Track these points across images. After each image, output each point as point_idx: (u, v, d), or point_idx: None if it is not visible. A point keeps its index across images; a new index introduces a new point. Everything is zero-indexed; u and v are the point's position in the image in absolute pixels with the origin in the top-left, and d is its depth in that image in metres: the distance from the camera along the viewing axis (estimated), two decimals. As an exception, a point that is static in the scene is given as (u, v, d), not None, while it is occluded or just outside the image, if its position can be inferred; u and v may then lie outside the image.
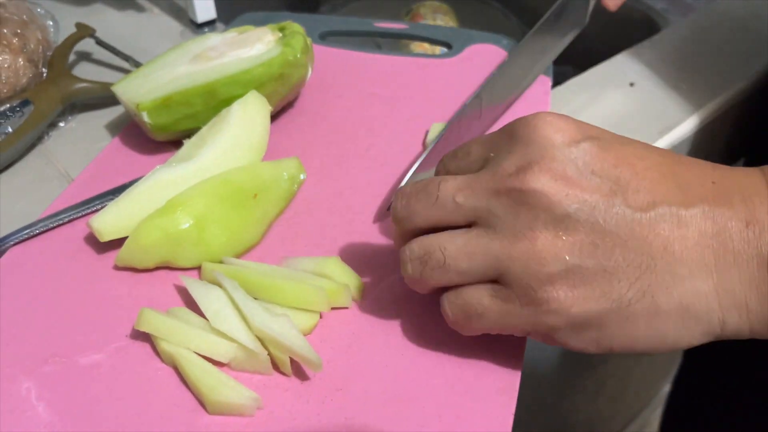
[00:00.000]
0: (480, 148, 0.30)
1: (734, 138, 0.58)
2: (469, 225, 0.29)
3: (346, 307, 0.34)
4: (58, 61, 0.49)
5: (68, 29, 0.54)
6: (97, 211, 0.40)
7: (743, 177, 0.28)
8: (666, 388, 1.25)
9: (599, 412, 1.01)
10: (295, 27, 0.45)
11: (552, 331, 0.27)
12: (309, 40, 0.45)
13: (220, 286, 0.33)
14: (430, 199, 0.29)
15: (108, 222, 0.36)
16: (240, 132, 0.40)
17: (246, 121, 0.40)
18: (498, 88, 0.46)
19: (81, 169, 0.44)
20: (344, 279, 0.34)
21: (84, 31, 0.53)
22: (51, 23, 0.51)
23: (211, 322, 0.31)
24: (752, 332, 0.27)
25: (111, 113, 0.50)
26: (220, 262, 0.35)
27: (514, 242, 0.27)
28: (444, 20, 0.84)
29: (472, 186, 0.28)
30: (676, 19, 0.70)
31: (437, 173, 0.32)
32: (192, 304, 0.33)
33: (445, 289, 0.30)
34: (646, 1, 0.72)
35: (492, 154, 0.29)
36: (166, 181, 0.37)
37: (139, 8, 0.64)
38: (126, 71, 0.55)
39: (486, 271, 0.28)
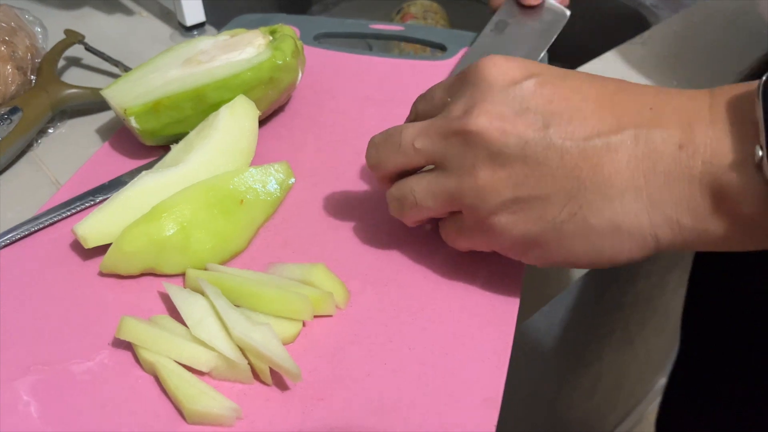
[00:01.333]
0: (441, 92, 0.34)
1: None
2: (434, 165, 0.32)
3: (330, 315, 0.34)
4: (47, 67, 0.49)
5: (57, 35, 0.54)
6: (79, 212, 0.40)
7: (687, 101, 0.29)
8: (661, 382, 1.25)
9: (596, 408, 1.01)
10: (286, 30, 0.45)
11: (504, 250, 0.32)
12: (300, 43, 0.45)
13: (202, 293, 0.33)
14: (394, 146, 0.33)
15: (93, 228, 0.35)
16: (227, 137, 0.40)
17: (234, 125, 0.40)
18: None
19: (71, 174, 0.44)
20: (329, 286, 0.34)
21: (73, 37, 0.52)
22: (39, 30, 0.51)
23: (192, 331, 0.31)
24: (686, 245, 0.29)
25: (101, 118, 0.50)
26: (205, 269, 0.35)
27: (461, 180, 0.31)
28: (435, 19, 0.84)
29: (428, 131, 0.32)
30: (666, 14, 0.70)
31: (409, 114, 0.36)
32: (175, 312, 0.33)
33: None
34: None
35: (449, 99, 0.32)
36: (152, 187, 0.37)
37: (128, 12, 0.63)
38: (116, 76, 0.55)
39: (450, 205, 0.32)
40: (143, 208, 0.36)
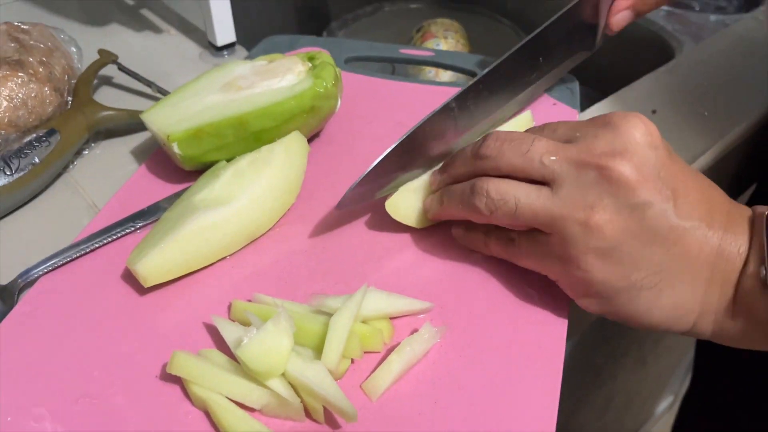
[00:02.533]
0: (567, 129, 0.35)
1: (747, 164, 0.58)
2: (541, 181, 0.33)
3: (378, 351, 0.33)
4: (83, 88, 0.49)
5: (89, 54, 0.54)
6: (120, 238, 0.40)
7: (744, 212, 0.33)
8: (667, 401, 1.25)
9: (605, 426, 1.02)
10: (325, 57, 0.45)
11: (570, 285, 0.33)
12: (338, 71, 0.45)
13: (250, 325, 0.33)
14: (521, 150, 0.34)
15: (153, 267, 0.35)
16: (280, 174, 0.40)
17: (287, 162, 0.40)
18: (487, 93, 0.44)
19: (108, 197, 0.44)
20: (376, 323, 0.34)
21: (107, 57, 0.52)
22: (75, 50, 0.51)
23: (244, 367, 0.31)
24: (711, 336, 0.33)
25: (136, 140, 0.50)
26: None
27: (574, 211, 0.32)
28: (455, 38, 0.84)
29: (560, 152, 0.33)
30: (687, 39, 0.71)
31: (525, 138, 0.35)
32: (222, 344, 0.33)
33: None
34: (657, 22, 0.72)
35: (578, 135, 0.34)
36: (208, 224, 0.37)
37: (156, 29, 0.63)
38: (148, 96, 0.55)
39: (542, 225, 0.33)
40: (202, 247, 0.36)
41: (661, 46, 0.72)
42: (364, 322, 0.33)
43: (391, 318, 0.34)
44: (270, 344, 0.30)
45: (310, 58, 0.46)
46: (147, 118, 0.43)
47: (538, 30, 0.45)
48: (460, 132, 0.42)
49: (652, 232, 0.31)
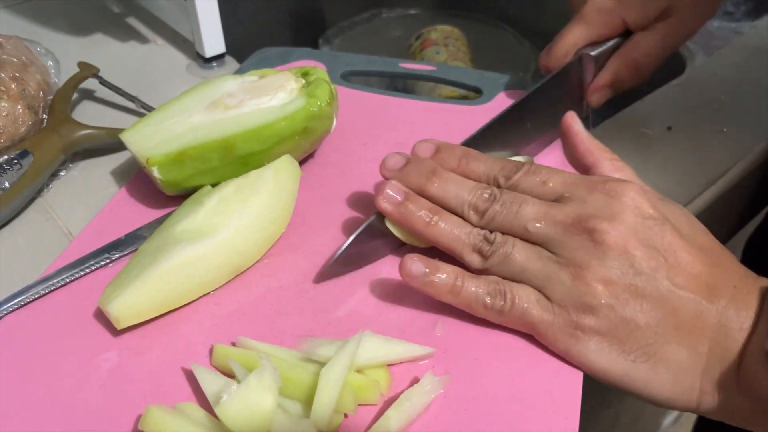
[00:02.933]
0: (558, 183, 0.34)
1: (762, 186, 0.55)
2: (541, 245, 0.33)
3: (374, 404, 0.30)
4: (60, 105, 0.46)
5: (69, 66, 0.51)
6: (95, 271, 0.37)
7: (757, 284, 0.32)
8: (673, 414, 1.23)
9: (612, 445, 0.98)
10: (320, 73, 0.42)
11: (566, 348, 0.32)
12: (334, 88, 0.42)
13: (232, 373, 0.30)
14: (511, 212, 0.34)
15: (127, 308, 0.32)
16: (269, 201, 0.36)
17: (276, 189, 0.37)
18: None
19: (84, 223, 0.41)
20: (372, 372, 0.30)
21: (87, 71, 0.49)
22: (51, 63, 0.48)
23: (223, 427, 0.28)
24: (716, 415, 0.31)
25: (116, 159, 0.47)
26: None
27: (567, 268, 0.32)
28: (456, 46, 0.81)
29: (547, 217, 0.33)
30: (698, 49, 0.68)
31: (504, 179, 0.36)
32: (203, 395, 0.30)
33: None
34: None
35: (567, 195, 0.33)
36: (189, 259, 0.34)
37: (143, 39, 0.60)
38: (132, 111, 0.51)
39: (534, 281, 0.32)
40: (182, 284, 0.33)
41: (671, 55, 0.69)
42: (358, 371, 0.30)
43: (389, 365, 0.31)
44: (252, 402, 0.27)
45: (304, 74, 0.43)
46: (127, 138, 0.40)
47: (522, 98, 0.43)
48: None
49: (644, 298, 0.31)
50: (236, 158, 0.39)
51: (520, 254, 0.33)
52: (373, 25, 0.90)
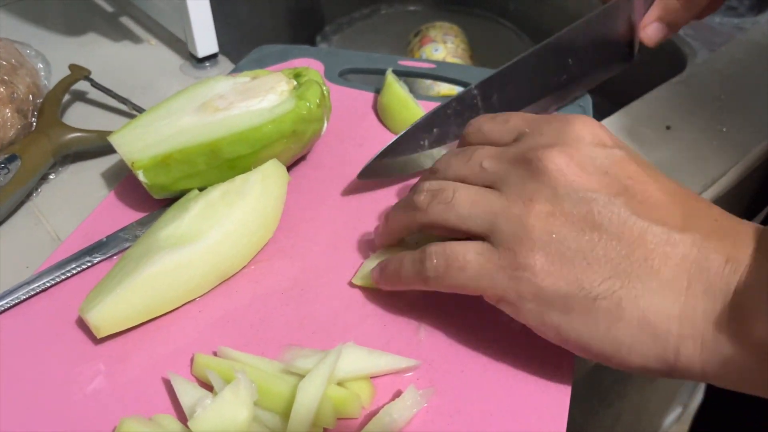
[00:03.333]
0: (519, 120, 0.33)
1: (763, 186, 0.54)
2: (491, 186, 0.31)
3: (356, 418, 0.30)
4: (50, 108, 0.45)
5: (61, 68, 0.50)
6: (77, 274, 0.36)
7: (742, 224, 0.29)
8: (676, 412, 1.22)
9: (614, 444, 0.98)
10: (312, 74, 0.42)
11: (520, 300, 0.29)
12: (327, 89, 0.42)
13: (210, 384, 0.30)
14: (464, 159, 0.33)
15: (107, 316, 0.32)
16: (256, 206, 0.36)
17: (263, 194, 0.36)
18: (511, 88, 0.43)
19: (73, 227, 0.40)
20: (354, 384, 0.30)
21: (78, 73, 0.49)
22: (42, 66, 0.47)
23: None
24: (703, 372, 0.27)
25: (107, 162, 0.46)
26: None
27: (513, 205, 0.29)
28: (455, 42, 0.80)
29: (499, 156, 0.32)
30: (700, 46, 0.67)
31: (469, 126, 0.36)
32: (180, 406, 0.30)
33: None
34: None
35: (527, 130, 0.32)
36: (173, 266, 0.33)
37: (136, 39, 0.60)
38: (123, 113, 0.51)
39: (481, 223, 0.30)
40: (165, 292, 0.33)
41: (672, 51, 0.68)
42: (340, 383, 0.29)
43: (372, 377, 0.30)
44: (226, 416, 0.26)
45: (296, 75, 0.42)
46: (115, 141, 0.40)
47: (566, 30, 0.43)
48: None
49: (601, 228, 0.28)
50: (223, 162, 0.38)
51: (461, 197, 0.31)
52: (372, 22, 0.89)
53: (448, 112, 0.42)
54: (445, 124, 0.42)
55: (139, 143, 0.39)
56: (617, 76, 0.74)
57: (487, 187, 0.31)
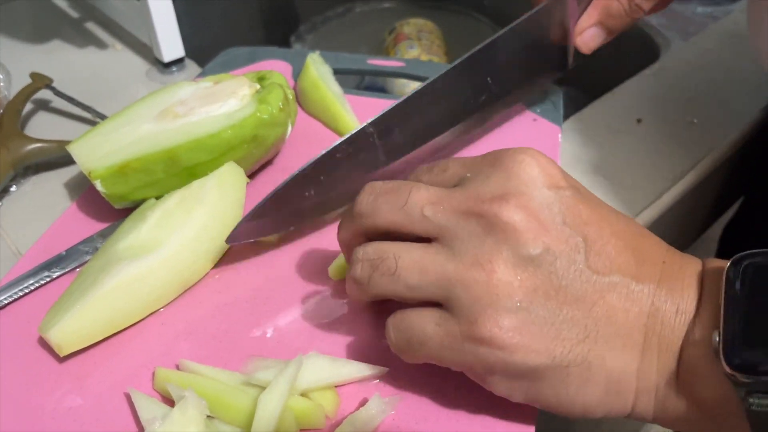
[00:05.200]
0: (458, 167, 0.30)
1: (735, 176, 0.54)
2: (428, 239, 0.28)
3: (320, 428, 0.29)
4: (9, 119, 0.44)
5: (22, 76, 0.49)
6: (36, 290, 0.35)
7: (686, 263, 0.28)
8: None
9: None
10: (275, 77, 0.41)
11: (488, 373, 0.27)
12: (291, 92, 0.41)
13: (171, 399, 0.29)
14: (398, 203, 0.28)
15: (69, 333, 0.31)
16: (214, 210, 0.35)
17: (221, 198, 0.36)
18: (417, 118, 0.39)
19: (34, 241, 0.39)
20: (317, 394, 0.29)
21: (39, 81, 0.48)
22: (2, 76, 0.46)
23: None
24: (654, 418, 0.27)
25: (70, 172, 0.45)
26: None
27: (470, 268, 0.26)
28: (430, 39, 0.79)
29: (443, 201, 0.28)
30: (673, 35, 0.66)
31: (408, 177, 0.32)
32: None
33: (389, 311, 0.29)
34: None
35: (469, 175, 0.29)
36: (133, 277, 0.32)
37: (101, 45, 0.59)
38: (88, 121, 0.50)
39: (435, 291, 0.27)
40: (126, 304, 0.32)
41: (645, 41, 0.68)
42: (303, 394, 0.29)
43: (336, 386, 0.30)
44: None
45: (260, 79, 0.42)
46: (74, 150, 0.39)
47: (484, 44, 0.39)
48: (385, 164, 0.37)
49: (566, 290, 0.26)
50: (182, 170, 0.38)
51: (406, 265, 0.27)
52: (347, 20, 0.88)
53: (338, 156, 0.36)
54: (336, 170, 0.37)
55: (97, 152, 0.38)
56: (589, 66, 0.73)
57: (429, 239, 0.28)
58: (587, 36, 0.42)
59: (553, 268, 0.26)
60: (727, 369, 0.24)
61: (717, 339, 0.24)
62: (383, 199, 0.29)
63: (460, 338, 0.26)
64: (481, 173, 0.28)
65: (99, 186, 0.37)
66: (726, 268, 0.25)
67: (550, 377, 0.26)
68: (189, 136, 0.37)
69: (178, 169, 0.37)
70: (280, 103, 0.39)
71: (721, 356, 0.24)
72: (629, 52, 0.69)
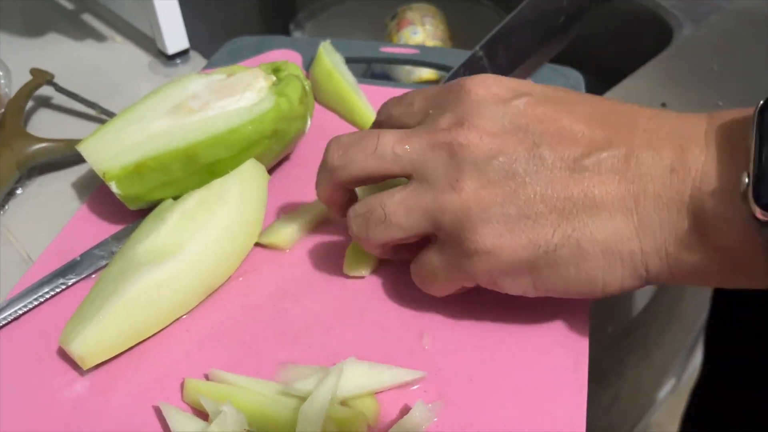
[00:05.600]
0: (422, 101, 0.32)
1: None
2: (406, 177, 0.30)
3: None
4: (12, 118, 0.43)
5: (21, 73, 0.47)
6: (50, 299, 0.34)
7: (682, 124, 0.28)
8: (670, 383, 1.22)
9: (611, 422, 0.98)
10: (291, 68, 0.39)
11: (491, 278, 0.29)
12: (308, 84, 0.39)
13: (204, 411, 0.28)
14: (369, 149, 0.31)
15: (92, 345, 0.29)
16: (237, 210, 0.34)
17: (244, 197, 0.34)
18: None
19: (45, 245, 0.38)
20: (357, 402, 0.28)
21: (41, 77, 0.46)
22: (1, 73, 0.45)
23: None
24: (673, 277, 0.27)
25: (77, 172, 0.44)
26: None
27: (443, 194, 0.29)
28: (433, 24, 0.78)
29: (410, 139, 0.30)
30: (683, 16, 0.65)
31: (378, 115, 0.35)
32: None
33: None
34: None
35: (431, 111, 0.31)
36: (154, 283, 0.31)
37: (100, 37, 0.57)
38: (92, 118, 0.48)
39: (424, 224, 0.30)
40: (149, 312, 0.31)
41: (657, 22, 0.66)
42: (343, 403, 0.28)
43: (376, 393, 0.29)
44: None
45: (275, 70, 0.40)
46: (84, 150, 0.37)
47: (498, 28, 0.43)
48: None
49: (532, 183, 0.28)
50: (201, 167, 0.36)
51: (393, 209, 0.30)
52: (347, 6, 0.86)
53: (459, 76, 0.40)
54: None
55: (109, 151, 0.36)
56: (602, 51, 0.72)
57: (405, 176, 0.30)
58: None
59: (514, 169, 0.28)
60: (757, 210, 0.24)
61: (746, 181, 0.24)
62: (354, 150, 0.31)
63: (457, 258, 0.29)
64: (439, 107, 0.31)
65: (114, 188, 0.36)
66: (757, 110, 0.25)
67: (544, 265, 0.28)
68: (207, 132, 0.36)
69: (197, 167, 0.36)
70: (299, 96, 0.37)
71: (750, 197, 0.24)
72: (640, 34, 0.68)
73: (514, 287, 0.29)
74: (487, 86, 0.30)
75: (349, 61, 0.50)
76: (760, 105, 0.26)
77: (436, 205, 0.29)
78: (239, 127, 0.36)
